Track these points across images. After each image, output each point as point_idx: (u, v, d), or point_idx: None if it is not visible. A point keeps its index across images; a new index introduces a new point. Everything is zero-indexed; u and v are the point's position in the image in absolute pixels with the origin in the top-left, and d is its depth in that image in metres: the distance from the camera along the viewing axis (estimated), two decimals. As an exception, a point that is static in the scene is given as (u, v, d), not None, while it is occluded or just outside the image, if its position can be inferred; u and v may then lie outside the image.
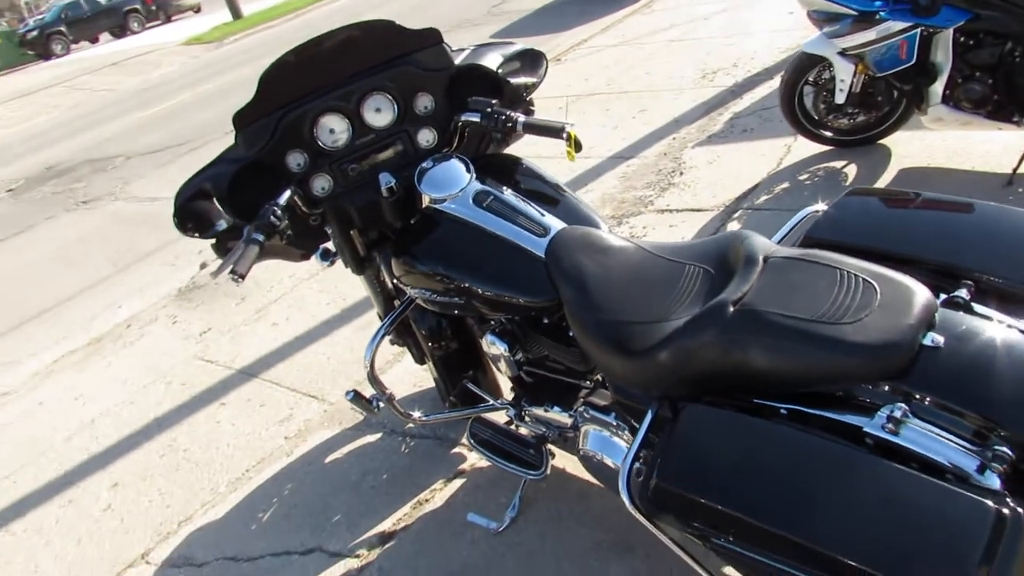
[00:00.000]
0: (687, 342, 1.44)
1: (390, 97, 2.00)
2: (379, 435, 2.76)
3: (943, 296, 1.39)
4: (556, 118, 1.92)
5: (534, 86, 2.13)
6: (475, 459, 2.47)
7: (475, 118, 1.97)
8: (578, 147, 1.95)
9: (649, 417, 1.52)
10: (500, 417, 2.26)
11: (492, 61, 2.06)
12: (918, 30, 2.91)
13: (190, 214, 1.85)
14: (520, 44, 2.17)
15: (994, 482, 1.16)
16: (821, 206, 1.75)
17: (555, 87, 6.05)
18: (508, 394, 2.22)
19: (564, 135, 1.88)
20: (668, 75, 5.51)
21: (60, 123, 12.55)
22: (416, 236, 1.94)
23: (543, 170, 2.06)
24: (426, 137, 2.05)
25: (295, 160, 1.95)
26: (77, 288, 5.20)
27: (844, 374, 1.31)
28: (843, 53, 3.19)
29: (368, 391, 2.19)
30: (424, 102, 2.03)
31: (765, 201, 3.47)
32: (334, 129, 1.98)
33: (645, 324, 1.54)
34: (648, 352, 1.50)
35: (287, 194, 1.84)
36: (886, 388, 1.28)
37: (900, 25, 2.93)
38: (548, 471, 2.08)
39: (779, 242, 1.71)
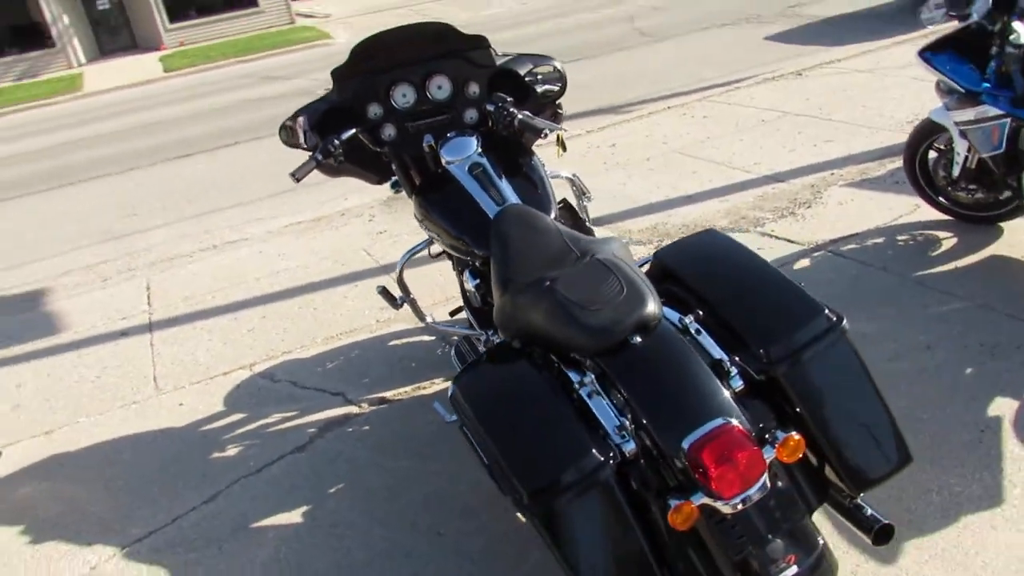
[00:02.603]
0: (518, 299, 2.00)
1: (449, 79, 2.67)
2: (432, 339, 3.51)
3: (680, 317, 1.81)
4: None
5: (556, 94, 2.66)
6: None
7: (491, 108, 2.58)
8: (563, 147, 2.49)
9: (482, 348, 2.09)
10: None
11: (523, 69, 2.63)
12: (1008, 119, 2.95)
13: (289, 130, 2.69)
14: (555, 61, 2.69)
15: (628, 448, 1.63)
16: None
17: (769, 102, 6.23)
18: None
19: (544, 135, 2.43)
20: (880, 113, 5.48)
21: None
22: (430, 185, 2.62)
23: (539, 163, 2.60)
24: (470, 115, 2.70)
25: (373, 110, 2.70)
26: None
27: (576, 345, 1.80)
28: (959, 126, 3.26)
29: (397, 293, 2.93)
30: (473, 89, 2.68)
31: (849, 250, 3.63)
32: (405, 94, 2.69)
33: (517, 282, 2.10)
34: (505, 301, 2.07)
35: (350, 133, 2.60)
36: (595, 360, 1.76)
37: (995, 111, 2.98)
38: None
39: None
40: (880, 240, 3.68)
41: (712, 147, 5.44)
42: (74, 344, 4.16)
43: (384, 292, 2.91)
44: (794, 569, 1.57)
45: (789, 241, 3.85)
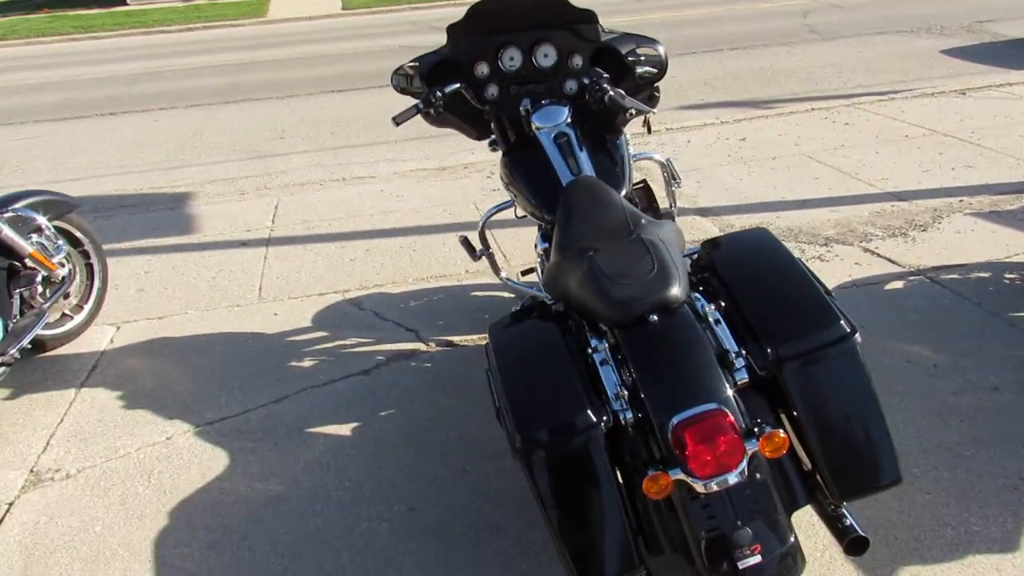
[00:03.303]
0: (564, 264, 2.11)
1: (555, 49, 2.77)
2: (510, 296, 3.66)
3: (703, 304, 1.87)
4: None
5: (654, 77, 2.71)
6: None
7: (587, 81, 2.66)
8: (649, 129, 2.59)
9: (520, 304, 2.21)
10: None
11: (626, 48, 2.69)
12: None
13: (402, 77, 2.88)
14: (660, 45, 2.73)
15: (625, 416, 1.73)
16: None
17: (920, 118, 5.94)
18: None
19: (630, 115, 2.49)
20: (1036, 145, 5.13)
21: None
22: (518, 147, 2.75)
23: (624, 143, 2.66)
24: (570, 86, 2.79)
25: (481, 69, 2.84)
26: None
27: (600, 313, 1.89)
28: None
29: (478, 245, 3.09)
30: (576, 61, 2.77)
31: (948, 280, 3.49)
32: (513, 58, 2.82)
33: (569, 249, 2.21)
34: (554, 264, 2.19)
35: (454, 87, 2.75)
36: (613, 331, 1.86)
37: None
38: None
39: None
40: (985, 275, 3.51)
41: (843, 156, 5.26)
42: (200, 245, 4.60)
43: (465, 242, 3.07)
44: (757, 559, 1.63)
45: (890, 261, 3.73)
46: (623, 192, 2.54)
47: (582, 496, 1.71)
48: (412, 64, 2.87)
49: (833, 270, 3.69)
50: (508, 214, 3.00)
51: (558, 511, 1.70)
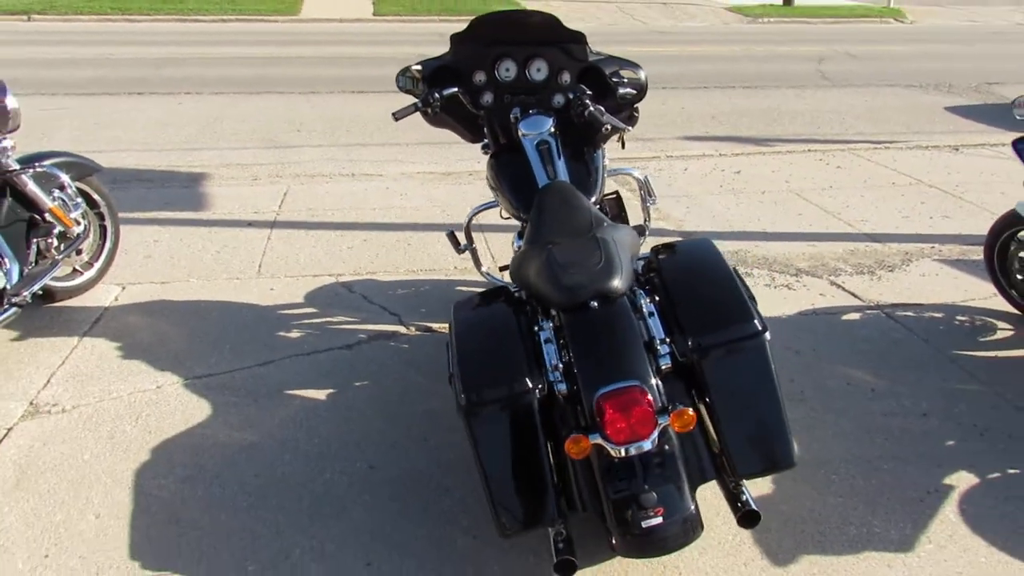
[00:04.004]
0: (526, 253, 2.35)
1: (547, 64, 3.02)
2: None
3: (641, 298, 2.11)
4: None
5: (635, 98, 2.94)
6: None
7: (571, 96, 2.90)
8: (623, 145, 2.84)
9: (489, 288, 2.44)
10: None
11: (610, 69, 2.93)
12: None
13: (406, 78, 3.12)
14: (641, 70, 2.97)
15: (560, 388, 1.97)
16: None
17: (910, 168, 6.17)
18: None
19: (605, 130, 2.74)
20: (1015, 201, 5.34)
21: (595, 31, 14.91)
22: (503, 151, 3.00)
23: (600, 156, 2.91)
24: (557, 99, 3.04)
25: (478, 76, 3.09)
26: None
27: (549, 298, 2.13)
28: (1039, 224, 3.29)
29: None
30: (564, 77, 3.02)
31: (903, 316, 3.71)
32: (509, 69, 3.07)
33: (534, 242, 2.45)
34: (519, 254, 2.42)
35: (451, 90, 3.00)
36: (559, 313, 2.09)
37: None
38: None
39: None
40: (939, 315, 3.73)
41: (830, 196, 5.50)
42: (210, 222, 4.86)
43: (451, 236, 3.31)
44: (659, 520, 1.85)
45: (852, 295, 3.95)
46: (593, 198, 2.78)
47: (512, 452, 1.94)
48: (417, 67, 3.12)
49: (798, 298, 3.92)
50: (503, 219, 3.20)
51: (489, 464, 1.93)
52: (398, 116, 2.98)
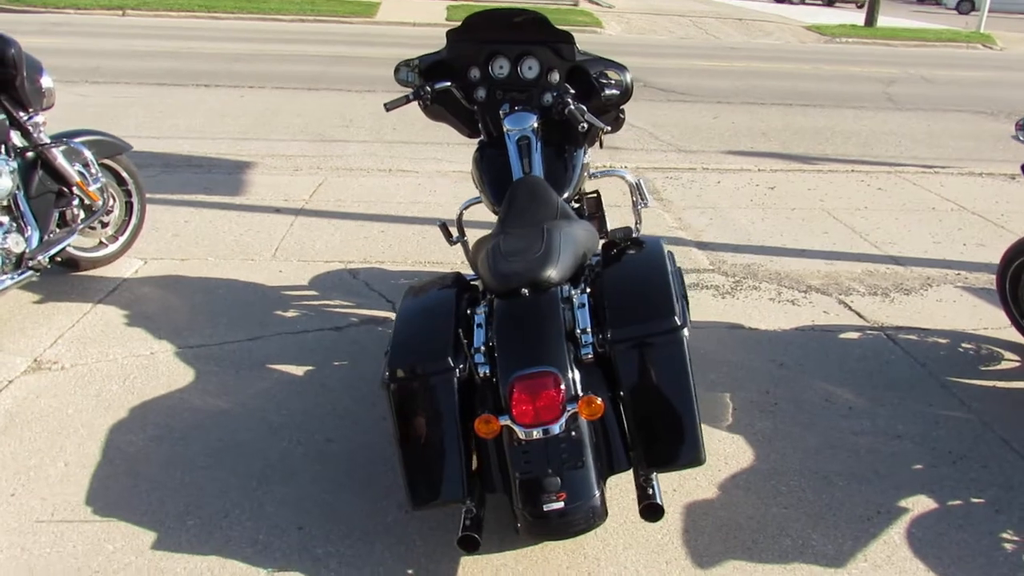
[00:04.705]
0: (481, 243, 2.41)
1: (538, 63, 3.08)
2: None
3: (572, 288, 2.14)
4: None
5: (619, 100, 2.97)
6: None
7: (554, 94, 2.95)
8: (600, 144, 2.87)
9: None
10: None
11: (595, 69, 2.97)
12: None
13: (407, 69, 3.22)
14: (628, 72, 2.99)
15: (483, 370, 2.03)
16: None
17: (955, 195, 5.98)
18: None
19: (581, 128, 2.78)
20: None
21: (666, 45, 14.89)
22: (487, 145, 3.06)
23: (581, 155, 2.94)
24: (546, 98, 3.08)
25: (473, 72, 3.17)
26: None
27: (487, 283, 2.19)
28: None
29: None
30: (554, 77, 3.06)
31: (905, 340, 3.61)
32: (502, 66, 3.14)
33: (497, 232, 2.51)
34: (477, 243, 2.49)
35: (444, 84, 3.09)
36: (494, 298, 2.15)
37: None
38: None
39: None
40: (943, 341, 3.62)
41: (862, 216, 5.37)
42: (240, 206, 5.07)
43: (443, 227, 3.39)
44: (560, 505, 1.88)
45: (857, 314, 3.87)
46: (565, 195, 2.82)
47: (428, 428, 2.00)
48: (416, 60, 3.22)
49: (799, 313, 3.86)
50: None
51: (404, 437, 2.00)
52: (390, 107, 3.09)
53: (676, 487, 2.51)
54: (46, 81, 3.53)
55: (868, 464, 2.69)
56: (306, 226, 4.77)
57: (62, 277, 3.86)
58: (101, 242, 4.02)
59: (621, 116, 3.08)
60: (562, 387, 1.90)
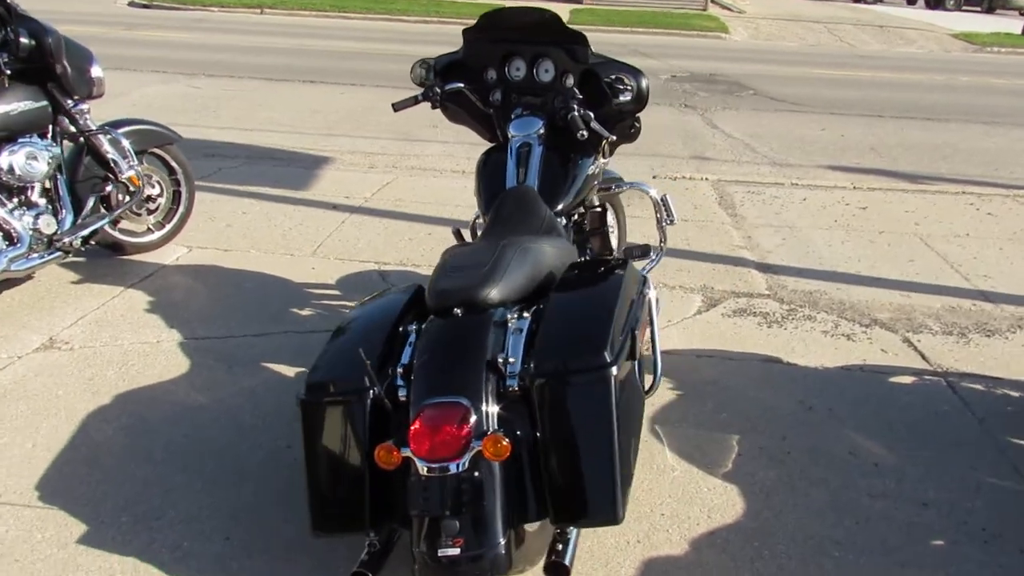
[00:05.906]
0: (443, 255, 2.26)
1: (553, 65, 2.89)
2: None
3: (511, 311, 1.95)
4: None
5: (632, 108, 2.73)
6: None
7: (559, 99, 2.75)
8: (604, 155, 2.67)
9: None
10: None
11: (607, 73, 2.74)
12: None
13: (423, 68, 3.10)
14: (643, 78, 2.74)
15: (401, 393, 1.88)
16: None
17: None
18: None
19: (580, 136, 2.58)
20: None
21: (792, 52, 14.18)
22: (493, 150, 2.90)
23: (587, 163, 2.74)
24: (556, 102, 2.89)
25: (489, 74, 3.01)
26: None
27: (426, 298, 2.03)
28: None
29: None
30: (569, 81, 2.86)
31: (967, 389, 3.17)
32: (519, 68, 2.96)
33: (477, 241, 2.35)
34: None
35: (457, 85, 2.95)
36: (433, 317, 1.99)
37: None
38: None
39: None
40: (1015, 395, 3.16)
41: (959, 245, 4.83)
42: (299, 200, 5.12)
43: (457, 233, 3.26)
44: (456, 551, 1.69)
45: (920, 355, 3.45)
46: (559, 207, 2.62)
47: (333, 452, 1.86)
48: (432, 59, 3.10)
49: (851, 349, 3.47)
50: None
51: (311, 460, 1.87)
52: (397, 107, 2.98)
53: (641, 539, 2.26)
54: (95, 70, 3.65)
55: (876, 533, 2.34)
56: (356, 224, 4.76)
57: (106, 260, 3.98)
58: (148, 228, 4.13)
59: (637, 125, 2.84)
60: (471, 421, 1.71)
